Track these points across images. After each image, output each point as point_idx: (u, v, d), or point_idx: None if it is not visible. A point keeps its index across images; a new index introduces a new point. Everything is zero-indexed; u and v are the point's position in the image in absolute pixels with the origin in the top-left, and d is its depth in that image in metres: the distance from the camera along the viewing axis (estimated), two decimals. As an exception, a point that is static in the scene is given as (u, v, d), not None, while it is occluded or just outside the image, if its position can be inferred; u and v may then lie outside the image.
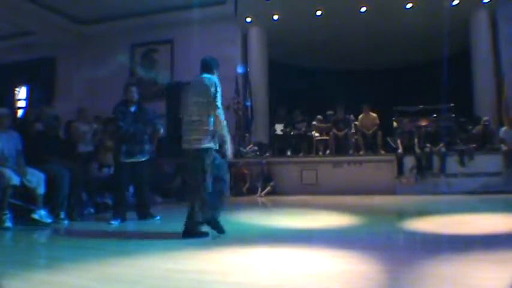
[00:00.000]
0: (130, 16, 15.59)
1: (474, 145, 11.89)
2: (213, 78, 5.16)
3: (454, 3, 14.01)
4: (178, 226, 5.09)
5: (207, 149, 5.03)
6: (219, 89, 5.07)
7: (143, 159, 7.03)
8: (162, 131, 7.68)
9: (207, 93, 5.01)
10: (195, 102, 5.10)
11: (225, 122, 5.10)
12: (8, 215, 6.19)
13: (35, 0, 14.21)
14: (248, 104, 14.70)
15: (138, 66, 16.33)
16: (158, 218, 7.15)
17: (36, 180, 6.57)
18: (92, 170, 8.58)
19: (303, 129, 13.53)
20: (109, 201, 8.56)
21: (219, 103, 5.04)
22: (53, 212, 6.80)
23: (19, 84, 17.32)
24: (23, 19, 15.04)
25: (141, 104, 7.39)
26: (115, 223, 6.66)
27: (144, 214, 7.15)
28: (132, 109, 7.09)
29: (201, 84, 5.12)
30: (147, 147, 7.09)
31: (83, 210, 7.80)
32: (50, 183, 6.76)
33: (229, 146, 5.18)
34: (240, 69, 15.29)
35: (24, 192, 6.54)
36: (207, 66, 5.36)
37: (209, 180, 5.03)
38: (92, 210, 8.15)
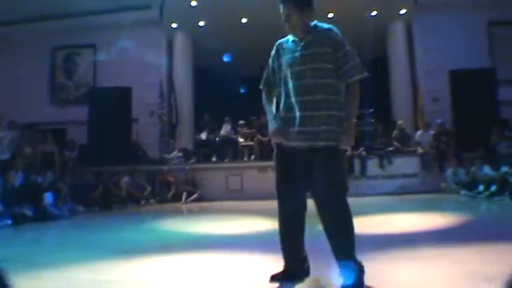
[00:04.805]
0: (51, 18, 15.10)
1: (392, 148, 12.41)
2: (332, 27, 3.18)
3: (372, 14, 14.58)
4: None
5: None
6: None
7: None
8: None
9: (336, 54, 3.06)
10: (314, 69, 3.03)
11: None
12: None
13: None
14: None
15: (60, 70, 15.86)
16: None
17: None
18: (10, 179, 8.22)
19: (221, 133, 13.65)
20: (28, 213, 8.24)
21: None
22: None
23: None
24: None
25: None
26: None
27: None
28: None
29: (323, 39, 3.08)
30: None
31: (-1, 222, 7.44)
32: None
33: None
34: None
35: None
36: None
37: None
38: (9, 222, 7.76)
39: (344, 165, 3.18)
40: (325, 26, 3.16)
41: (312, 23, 3.16)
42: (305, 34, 3.10)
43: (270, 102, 3.29)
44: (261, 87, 3.33)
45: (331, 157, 3.00)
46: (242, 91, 18.92)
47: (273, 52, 3.28)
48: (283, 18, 3.12)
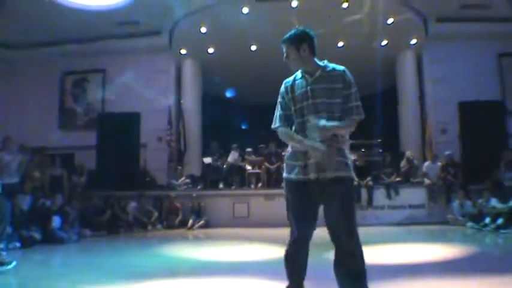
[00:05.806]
0: (60, 43, 15.24)
1: (399, 179, 12.40)
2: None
3: (383, 43, 14.69)
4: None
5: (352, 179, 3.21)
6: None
7: None
8: None
9: (344, 91, 3.11)
10: (324, 103, 3.10)
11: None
12: None
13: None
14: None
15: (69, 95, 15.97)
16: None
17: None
18: (18, 202, 8.27)
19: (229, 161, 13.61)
20: (36, 235, 8.27)
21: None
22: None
23: None
24: None
25: None
26: None
27: None
28: None
29: (335, 77, 3.14)
30: None
31: (8, 245, 7.45)
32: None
33: None
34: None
35: None
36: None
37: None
38: (18, 245, 7.80)
39: (354, 195, 3.19)
40: (340, 67, 3.20)
41: (322, 62, 3.21)
42: (313, 68, 3.17)
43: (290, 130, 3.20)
44: (275, 126, 3.28)
45: (341, 187, 3.02)
46: (250, 118, 19.03)
47: (282, 89, 3.29)
48: (284, 56, 3.25)
